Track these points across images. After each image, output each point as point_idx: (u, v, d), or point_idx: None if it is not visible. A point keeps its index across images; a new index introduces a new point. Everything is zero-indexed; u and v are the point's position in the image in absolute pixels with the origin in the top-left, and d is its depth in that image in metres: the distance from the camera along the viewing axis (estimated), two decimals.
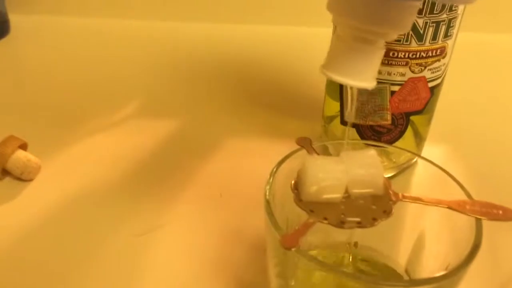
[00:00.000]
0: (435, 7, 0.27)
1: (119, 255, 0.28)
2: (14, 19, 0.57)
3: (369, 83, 0.20)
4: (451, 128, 0.40)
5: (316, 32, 0.46)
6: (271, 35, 0.57)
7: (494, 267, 0.28)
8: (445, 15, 0.28)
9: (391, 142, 0.32)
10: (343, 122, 0.33)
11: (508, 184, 0.34)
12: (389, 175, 0.32)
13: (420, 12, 0.27)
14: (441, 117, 0.35)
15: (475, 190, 0.32)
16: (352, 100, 0.22)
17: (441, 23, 0.28)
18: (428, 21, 0.28)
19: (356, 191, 0.19)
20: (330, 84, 0.34)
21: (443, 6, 0.27)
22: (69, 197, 0.32)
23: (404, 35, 0.28)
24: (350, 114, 0.24)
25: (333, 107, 0.34)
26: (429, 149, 0.35)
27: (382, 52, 0.20)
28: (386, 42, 0.20)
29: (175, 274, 0.27)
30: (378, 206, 0.19)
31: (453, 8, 0.28)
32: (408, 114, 0.31)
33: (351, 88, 0.22)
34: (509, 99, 0.46)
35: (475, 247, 0.17)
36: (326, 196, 0.19)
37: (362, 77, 0.20)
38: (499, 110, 0.44)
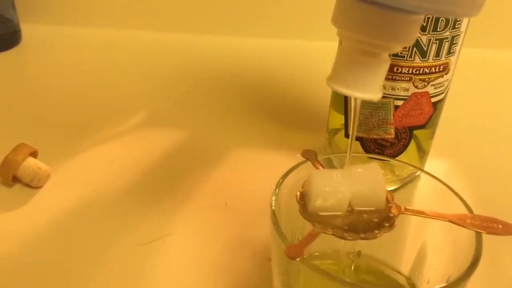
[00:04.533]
0: (438, 25, 0.28)
1: (125, 263, 0.28)
2: (25, 28, 0.58)
3: (375, 95, 0.20)
4: (453, 143, 0.41)
5: (322, 45, 0.46)
6: (277, 49, 0.58)
7: (496, 279, 0.28)
8: (448, 33, 0.28)
9: (394, 155, 0.33)
10: (348, 135, 0.33)
11: (509, 198, 0.35)
12: (393, 188, 0.33)
13: (423, 29, 0.28)
14: (444, 131, 0.35)
15: (477, 203, 0.33)
16: (355, 112, 0.23)
17: (444, 40, 0.29)
18: (432, 38, 0.28)
19: (359, 208, 0.20)
20: (335, 97, 0.35)
21: (446, 23, 0.28)
22: (77, 205, 0.32)
23: (408, 51, 0.29)
24: (354, 127, 0.24)
25: (338, 120, 0.35)
26: (432, 163, 0.36)
27: (387, 65, 0.21)
28: (391, 55, 0.20)
29: (180, 282, 0.27)
30: (380, 219, 0.20)
31: (456, 26, 0.28)
32: (411, 129, 0.32)
33: (355, 100, 0.22)
34: (511, 114, 0.47)
35: (475, 260, 0.18)
36: (331, 211, 0.20)
37: (367, 88, 0.20)
38: (501, 125, 0.45)
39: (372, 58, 0.20)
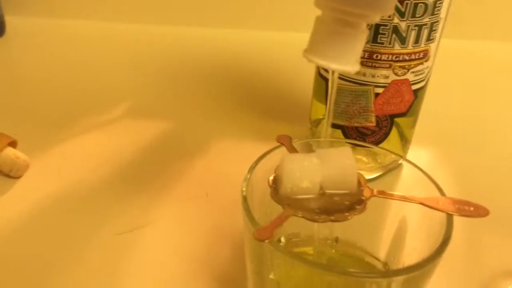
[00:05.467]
0: (417, 11, 0.28)
1: (105, 253, 0.28)
2: (10, 20, 0.58)
3: (351, 67, 0.20)
4: (436, 131, 0.41)
5: (305, 37, 0.46)
6: (259, 40, 0.58)
7: (477, 265, 0.28)
8: (427, 19, 0.28)
9: (376, 143, 0.33)
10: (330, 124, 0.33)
11: (491, 185, 0.35)
12: (375, 175, 0.33)
13: (402, 15, 0.28)
14: (426, 120, 0.35)
15: (458, 190, 0.33)
16: (332, 87, 0.22)
17: (423, 26, 0.28)
18: (411, 24, 0.28)
19: (330, 191, 0.20)
20: (317, 87, 0.35)
21: (425, 9, 0.28)
22: (57, 195, 0.32)
23: (387, 37, 0.29)
24: (331, 104, 0.24)
25: (320, 110, 0.35)
26: (415, 151, 0.36)
27: (364, 36, 0.20)
28: (369, 25, 0.19)
29: (160, 272, 0.27)
30: (352, 201, 0.20)
31: (435, 12, 0.28)
32: (392, 116, 0.32)
33: (333, 73, 0.22)
34: (492, 103, 0.47)
35: (445, 241, 0.18)
36: (302, 194, 0.19)
37: (344, 60, 0.20)
38: (482, 114, 0.45)
39: (349, 28, 0.20)
